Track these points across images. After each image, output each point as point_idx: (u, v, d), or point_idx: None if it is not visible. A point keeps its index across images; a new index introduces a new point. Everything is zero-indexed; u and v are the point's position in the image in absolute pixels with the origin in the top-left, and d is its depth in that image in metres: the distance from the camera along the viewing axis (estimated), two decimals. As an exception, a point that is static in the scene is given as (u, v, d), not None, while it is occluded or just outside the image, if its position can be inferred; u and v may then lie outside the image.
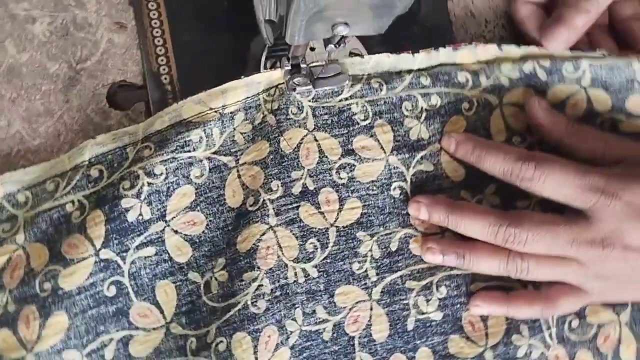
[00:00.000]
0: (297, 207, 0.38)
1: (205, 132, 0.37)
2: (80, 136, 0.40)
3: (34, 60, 0.40)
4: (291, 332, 0.36)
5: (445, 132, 0.40)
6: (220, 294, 0.36)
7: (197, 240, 0.37)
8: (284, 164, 0.38)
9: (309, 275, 0.37)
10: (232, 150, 0.38)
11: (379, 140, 0.39)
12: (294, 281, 0.37)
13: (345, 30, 0.29)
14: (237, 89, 0.38)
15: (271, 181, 0.37)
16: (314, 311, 0.37)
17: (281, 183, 0.38)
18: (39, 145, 0.39)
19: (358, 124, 0.39)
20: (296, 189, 0.38)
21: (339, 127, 0.39)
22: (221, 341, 0.35)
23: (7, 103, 0.40)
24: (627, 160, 0.36)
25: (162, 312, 0.36)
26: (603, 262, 0.34)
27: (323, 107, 0.39)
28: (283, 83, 0.38)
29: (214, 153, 0.37)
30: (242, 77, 0.38)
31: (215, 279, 0.36)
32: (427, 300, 0.38)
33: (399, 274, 0.38)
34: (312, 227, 0.38)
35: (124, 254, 0.36)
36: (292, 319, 0.37)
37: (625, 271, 0.35)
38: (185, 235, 0.37)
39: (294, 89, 0.38)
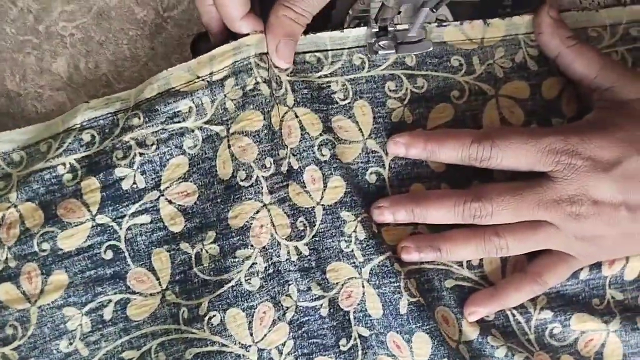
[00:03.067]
0: (287, 185, 0.37)
1: (194, 102, 0.36)
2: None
3: (123, 4, 0.41)
4: (287, 308, 0.37)
5: (389, 137, 0.38)
6: (212, 267, 0.37)
7: (190, 212, 0.37)
8: (275, 140, 0.37)
9: (301, 253, 0.37)
10: (223, 118, 0.37)
11: (357, 122, 0.38)
12: (287, 259, 0.37)
13: (447, -6, 0.29)
14: (225, 53, 0.36)
15: (265, 157, 0.37)
16: (309, 288, 0.37)
17: (273, 160, 0.37)
18: (123, 90, 0.40)
19: (337, 103, 0.38)
20: (283, 168, 0.37)
21: (319, 103, 0.38)
22: (214, 315, 0.36)
23: (96, 45, 0.41)
24: (613, 89, 0.36)
25: (158, 279, 0.37)
26: (576, 220, 0.34)
27: (302, 81, 0.38)
28: (256, 55, 0.36)
29: (206, 123, 0.37)
30: (230, 41, 0.36)
31: (206, 251, 0.37)
32: (416, 284, 0.37)
33: (386, 255, 0.37)
34: (300, 206, 0.37)
35: (120, 220, 0.37)
36: (287, 295, 0.37)
37: (603, 227, 0.34)
38: (179, 205, 0.37)
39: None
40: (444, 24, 0.39)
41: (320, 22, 0.40)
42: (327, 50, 0.38)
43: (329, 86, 0.38)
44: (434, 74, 0.39)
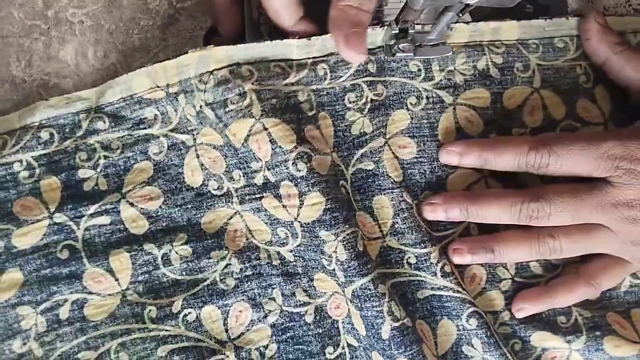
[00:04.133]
0: (260, 197, 0.37)
1: (159, 110, 0.37)
2: (173, 76, 0.39)
3: (135, -7, 0.40)
4: (270, 311, 0.37)
5: (441, 147, 0.37)
6: (184, 267, 0.37)
7: (154, 215, 0.37)
8: (240, 155, 0.36)
9: (284, 258, 0.37)
10: (188, 128, 0.37)
11: (323, 135, 0.37)
12: (267, 263, 0.37)
13: (476, -2, 0.28)
14: (173, 69, 0.36)
15: (232, 170, 0.37)
16: (293, 294, 0.37)
17: (242, 173, 0.37)
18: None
19: (305, 113, 0.37)
20: (258, 180, 0.36)
21: (289, 112, 0.36)
22: (189, 312, 0.36)
23: (105, 34, 0.39)
24: None
25: (117, 279, 0.36)
26: (634, 224, 0.33)
27: (269, 90, 0.35)
28: (220, 69, 0.35)
29: (172, 131, 0.37)
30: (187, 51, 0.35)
31: (176, 252, 0.37)
32: (397, 304, 0.35)
33: (369, 277, 0.35)
34: (279, 218, 0.37)
35: (78, 219, 0.36)
36: (270, 298, 0.37)
37: None
38: (142, 209, 0.37)
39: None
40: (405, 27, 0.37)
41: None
42: (292, 60, 0.36)
43: (296, 95, 0.37)
44: (392, 80, 0.38)
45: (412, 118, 0.38)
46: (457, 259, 0.37)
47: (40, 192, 0.36)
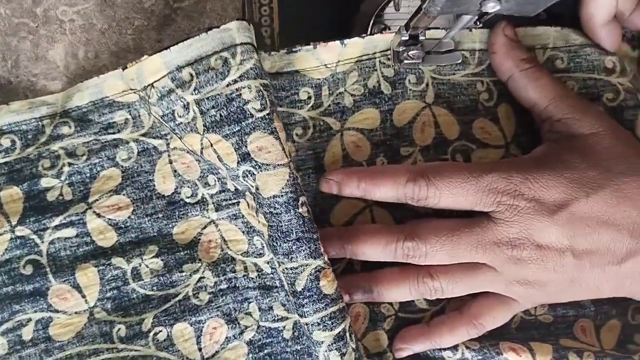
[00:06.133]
0: (237, 202, 0.35)
1: (130, 114, 0.35)
2: (169, 80, 0.37)
3: (130, -9, 0.38)
4: (246, 327, 0.35)
5: (320, 176, 0.34)
6: (154, 282, 0.35)
7: (123, 226, 0.35)
8: (208, 161, 0.33)
9: (262, 270, 0.35)
10: (162, 132, 0.35)
11: (280, 139, 0.31)
12: (244, 275, 0.35)
13: (497, 6, 0.26)
14: (130, 74, 0.33)
15: (207, 175, 0.35)
16: (270, 307, 0.35)
17: (217, 178, 0.35)
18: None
19: (252, 116, 0.30)
20: (230, 186, 0.34)
21: (228, 124, 0.30)
22: (160, 330, 0.34)
23: (97, 34, 0.37)
24: (565, 121, 0.33)
25: (84, 296, 0.34)
26: (518, 265, 0.31)
27: (208, 98, 0.30)
28: (160, 79, 0.31)
29: (143, 135, 0.35)
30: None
31: (147, 266, 0.35)
32: (342, 355, 0.32)
33: (305, 321, 0.32)
34: (254, 226, 0.34)
35: (42, 232, 0.34)
36: (246, 313, 0.35)
37: (547, 273, 0.31)
38: (110, 219, 0.35)
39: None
40: (294, 49, 0.35)
41: (341, 28, 0.38)
42: (235, 46, 0.31)
43: (240, 94, 0.30)
44: (279, 110, 0.35)
45: (297, 150, 0.35)
46: None
47: (1, 204, 0.34)
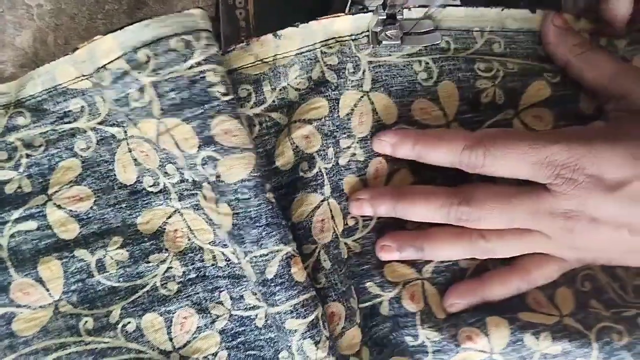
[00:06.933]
0: (196, 194, 0.34)
1: (86, 101, 0.33)
2: (141, 65, 0.36)
3: (99, -26, 0.37)
4: (217, 316, 0.34)
5: (374, 135, 0.34)
6: (120, 273, 0.34)
7: (85, 217, 0.34)
8: (164, 150, 0.32)
9: (229, 260, 0.34)
10: (118, 120, 0.33)
11: (244, 125, 0.30)
12: (213, 264, 0.34)
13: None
14: (81, 56, 0.31)
15: (165, 164, 0.34)
16: (241, 296, 0.34)
17: (175, 167, 0.33)
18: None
19: (218, 99, 0.30)
20: (188, 176, 0.33)
21: (190, 107, 0.29)
22: (129, 322, 0.34)
23: (66, 19, 0.36)
24: (629, 97, 0.33)
25: (47, 289, 0.33)
26: (571, 234, 0.31)
27: (167, 80, 0.29)
28: (113, 61, 0.30)
29: (100, 123, 0.34)
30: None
31: (111, 257, 0.34)
32: (316, 343, 0.31)
33: (276, 309, 0.31)
34: (212, 219, 0.33)
35: (1, 226, 0.33)
36: (218, 302, 0.34)
37: (600, 242, 0.32)
38: (71, 211, 0.34)
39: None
40: (229, 49, 0.33)
41: (318, 10, 0.37)
42: (199, 30, 0.30)
43: (204, 77, 0.29)
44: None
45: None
46: (384, 255, 0.35)
47: None
